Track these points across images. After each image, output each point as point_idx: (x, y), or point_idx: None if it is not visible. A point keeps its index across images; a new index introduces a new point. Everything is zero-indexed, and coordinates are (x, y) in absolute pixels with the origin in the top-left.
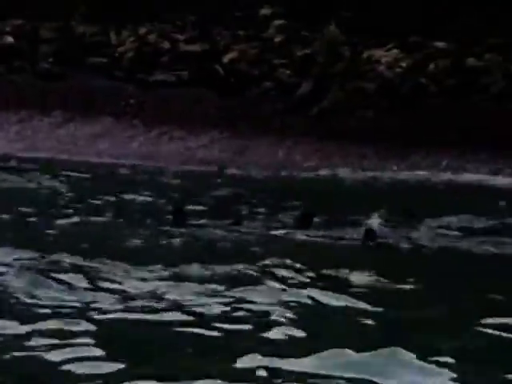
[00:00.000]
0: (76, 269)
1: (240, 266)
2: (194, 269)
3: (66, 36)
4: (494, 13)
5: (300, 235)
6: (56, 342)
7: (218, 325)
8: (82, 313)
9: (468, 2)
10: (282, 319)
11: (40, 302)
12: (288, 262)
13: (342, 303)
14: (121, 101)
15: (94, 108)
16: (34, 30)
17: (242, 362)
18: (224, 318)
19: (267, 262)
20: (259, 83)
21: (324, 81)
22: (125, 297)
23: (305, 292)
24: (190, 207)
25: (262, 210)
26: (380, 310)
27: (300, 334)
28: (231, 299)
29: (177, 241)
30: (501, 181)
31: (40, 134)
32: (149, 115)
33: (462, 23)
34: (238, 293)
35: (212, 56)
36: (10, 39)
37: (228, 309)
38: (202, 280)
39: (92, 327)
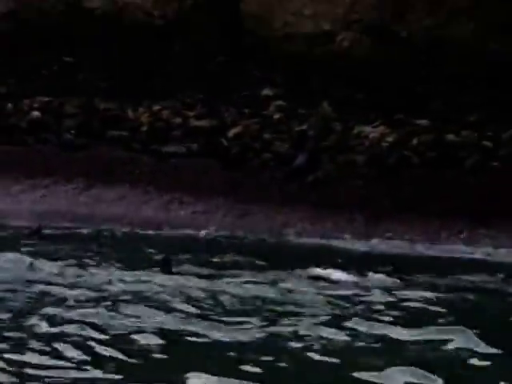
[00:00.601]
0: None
1: None
2: None
3: (89, 111)
4: (472, 92)
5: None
6: None
7: None
8: None
9: (449, 82)
10: None
11: None
12: None
13: None
14: (136, 169)
15: (113, 176)
16: (60, 106)
17: None
18: None
19: None
20: (260, 155)
21: (318, 153)
22: None
23: None
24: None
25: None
26: None
27: None
28: None
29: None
30: (477, 252)
31: (62, 200)
32: (162, 183)
33: (443, 102)
34: None
35: (219, 131)
36: (37, 114)
37: None
38: None
39: None
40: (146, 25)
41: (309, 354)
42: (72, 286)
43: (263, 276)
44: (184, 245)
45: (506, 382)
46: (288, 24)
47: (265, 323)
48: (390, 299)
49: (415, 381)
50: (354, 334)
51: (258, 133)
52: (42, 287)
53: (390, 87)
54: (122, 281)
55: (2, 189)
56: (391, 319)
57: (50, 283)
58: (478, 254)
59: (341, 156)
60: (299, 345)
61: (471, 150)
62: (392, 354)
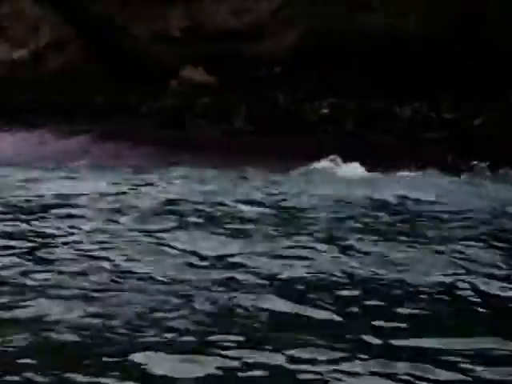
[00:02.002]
0: None
1: None
2: None
3: (364, 108)
4: None
5: None
6: None
7: None
8: None
9: None
10: None
11: None
12: None
13: None
14: (402, 152)
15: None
16: (342, 105)
17: None
18: None
19: None
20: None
21: None
22: None
23: None
24: None
25: None
26: None
27: None
28: None
29: None
30: None
31: None
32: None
33: None
34: None
35: (464, 121)
36: (325, 111)
37: None
38: None
39: None
40: (414, 39)
41: None
42: None
43: None
44: None
45: None
46: None
47: None
48: None
49: None
50: None
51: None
52: None
53: None
54: None
55: None
56: None
57: None
58: None
59: None
60: None
61: None
62: None
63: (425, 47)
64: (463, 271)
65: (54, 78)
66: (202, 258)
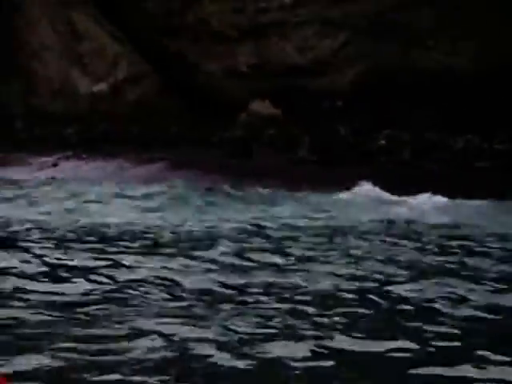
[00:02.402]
0: None
1: None
2: None
3: (418, 139)
4: None
5: None
6: None
7: None
8: None
9: None
10: None
11: None
12: None
13: None
14: (454, 180)
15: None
16: (398, 136)
17: None
18: None
19: None
20: None
21: None
22: None
23: None
24: None
25: None
26: None
27: None
28: None
29: None
30: None
31: None
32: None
33: None
34: None
35: None
36: (383, 142)
37: None
38: None
39: None
40: (466, 76)
41: None
42: None
43: None
44: None
45: None
46: None
47: None
48: None
49: None
50: None
51: None
52: None
53: None
54: None
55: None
56: None
57: None
58: None
59: None
60: None
61: None
62: None
63: (476, 83)
64: None
65: (130, 111)
66: None
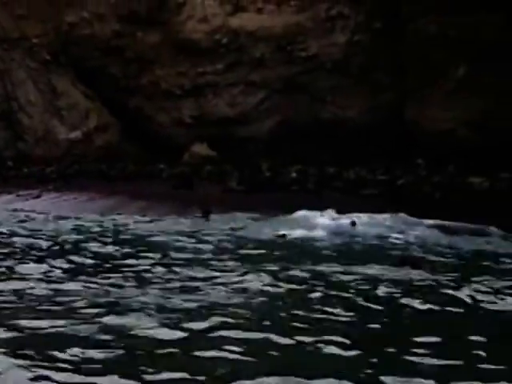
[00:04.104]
0: None
1: None
2: None
3: (320, 173)
4: None
5: None
6: None
7: None
8: None
9: None
10: None
11: None
12: None
13: None
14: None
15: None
16: (313, 170)
17: None
18: None
19: None
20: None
21: None
22: None
23: None
24: None
25: None
26: None
27: None
28: None
29: None
30: None
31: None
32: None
33: None
34: None
35: (392, 181)
36: (294, 175)
37: None
38: None
39: None
40: (354, 125)
41: None
42: None
43: None
44: None
45: None
46: None
47: None
48: None
49: None
50: None
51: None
52: None
53: None
54: None
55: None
56: None
57: None
58: None
59: None
60: None
61: None
62: None
63: (363, 130)
64: None
65: (99, 153)
66: None
